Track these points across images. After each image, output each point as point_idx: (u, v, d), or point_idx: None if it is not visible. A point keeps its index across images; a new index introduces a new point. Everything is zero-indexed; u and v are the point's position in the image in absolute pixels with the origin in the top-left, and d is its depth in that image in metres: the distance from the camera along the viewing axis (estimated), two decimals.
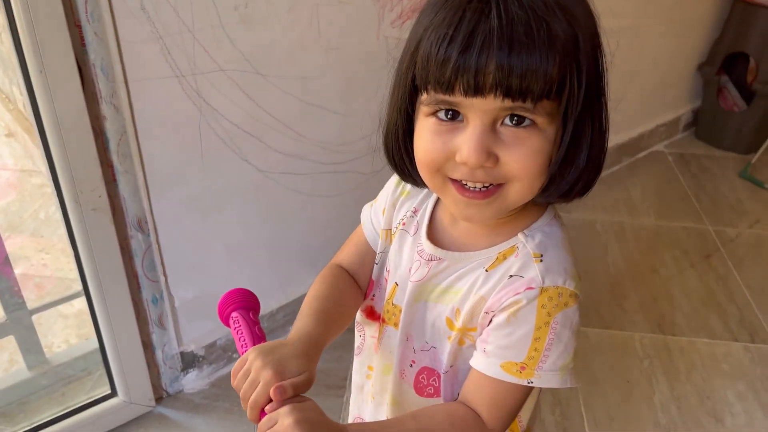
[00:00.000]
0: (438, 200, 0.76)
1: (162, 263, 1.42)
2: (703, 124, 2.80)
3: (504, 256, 0.68)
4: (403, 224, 0.77)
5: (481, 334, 0.69)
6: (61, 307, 1.82)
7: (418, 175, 0.68)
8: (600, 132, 0.63)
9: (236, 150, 1.41)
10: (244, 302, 0.73)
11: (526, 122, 0.59)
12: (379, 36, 1.53)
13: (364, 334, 0.86)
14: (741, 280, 2.03)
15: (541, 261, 0.66)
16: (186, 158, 1.35)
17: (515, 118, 0.59)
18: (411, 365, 0.77)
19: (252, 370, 0.64)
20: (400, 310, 0.76)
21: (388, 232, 0.80)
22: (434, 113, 0.62)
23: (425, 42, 0.59)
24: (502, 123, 0.60)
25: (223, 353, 1.64)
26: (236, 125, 1.39)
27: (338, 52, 1.47)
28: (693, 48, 2.65)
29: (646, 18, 2.28)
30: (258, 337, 0.70)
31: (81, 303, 1.76)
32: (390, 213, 0.80)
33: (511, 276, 0.67)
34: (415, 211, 0.77)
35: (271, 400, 0.62)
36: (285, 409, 0.60)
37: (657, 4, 2.31)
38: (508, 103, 0.57)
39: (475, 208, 0.64)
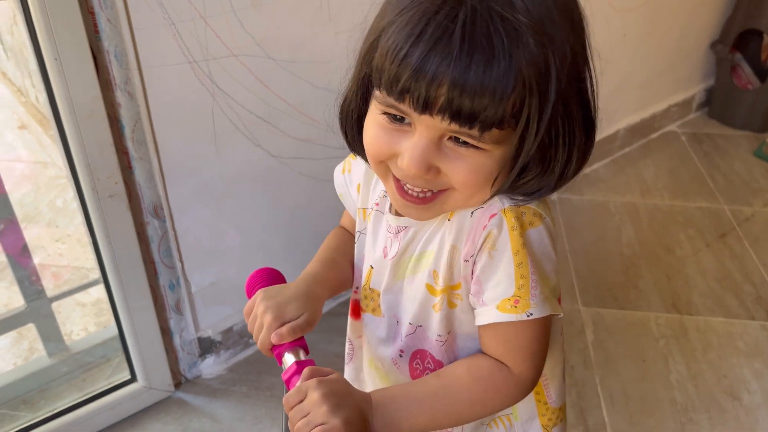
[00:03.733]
0: None
1: (178, 249, 1.43)
2: (717, 103, 2.77)
3: None
4: (377, 205, 0.76)
5: (469, 289, 0.68)
6: (78, 296, 1.84)
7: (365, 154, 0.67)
8: (579, 132, 0.60)
9: (249, 136, 1.42)
10: (272, 280, 0.74)
11: (469, 145, 0.58)
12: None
13: (353, 336, 0.86)
14: (757, 258, 2.02)
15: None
16: (200, 144, 1.35)
17: (460, 139, 0.58)
18: (401, 355, 0.77)
19: (258, 314, 0.70)
20: (378, 294, 0.76)
21: (364, 211, 0.79)
22: (384, 112, 0.61)
23: (384, 41, 0.57)
24: (448, 138, 0.59)
25: (239, 338, 1.65)
26: (249, 111, 1.39)
27: (348, 36, 1.47)
28: (705, 25, 2.62)
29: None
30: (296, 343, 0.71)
31: (98, 291, 1.79)
32: (365, 191, 0.78)
33: (472, 213, 0.65)
34: (385, 193, 0.75)
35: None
36: (312, 383, 0.61)
37: None
38: (454, 126, 0.56)
39: (414, 210, 0.65)
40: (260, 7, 1.30)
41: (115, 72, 1.17)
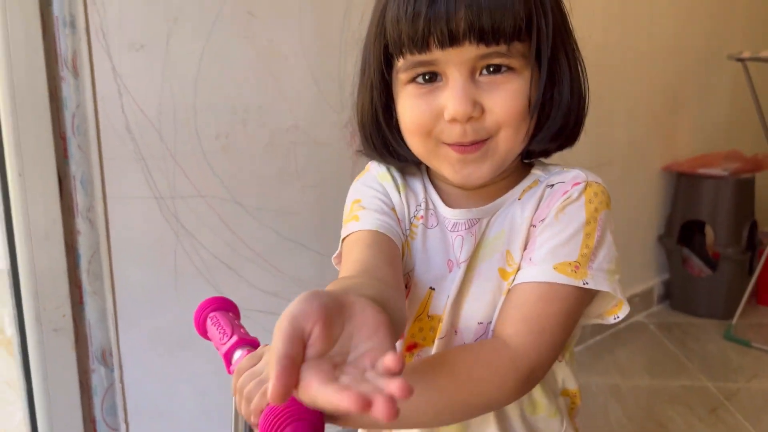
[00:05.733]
0: (432, 182, 0.72)
1: (124, 407, 1.27)
2: (677, 294, 2.83)
3: (530, 187, 0.68)
4: (422, 218, 0.70)
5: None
6: None
7: (404, 149, 0.67)
8: (576, 70, 0.65)
9: (212, 281, 1.37)
10: (223, 305, 0.66)
11: (503, 69, 0.60)
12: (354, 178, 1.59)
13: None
14: (754, 429, 1.89)
15: (573, 169, 0.67)
16: (159, 285, 1.29)
17: (491, 67, 0.60)
18: None
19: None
20: (440, 319, 0.67)
21: (404, 243, 0.70)
22: (412, 80, 0.62)
23: (392, 6, 0.60)
24: (480, 73, 0.61)
25: None
26: (213, 254, 1.36)
27: (314, 190, 1.52)
28: (649, 220, 2.80)
29: None
30: (245, 334, 0.62)
31: None
32: (401, 215, 0.71)
33: (551, 185, 0.66)
34: (423, 203, 0.71)
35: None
36: (268, 347, 0.54)
37: (608, 181, 2.48)
38: (482, 49, 0.58)
39: (472, 166, 0.63)
40: (230, 153, 1.36)
41: (79, 198, 1.17)
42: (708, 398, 2.09)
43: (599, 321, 0.68)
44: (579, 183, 0.64)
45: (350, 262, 0.63)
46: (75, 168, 1.15)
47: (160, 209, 1.27)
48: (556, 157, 0.71)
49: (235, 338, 0.60)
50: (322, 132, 1.48)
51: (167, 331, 1.32)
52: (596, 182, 0.65)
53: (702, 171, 2.66)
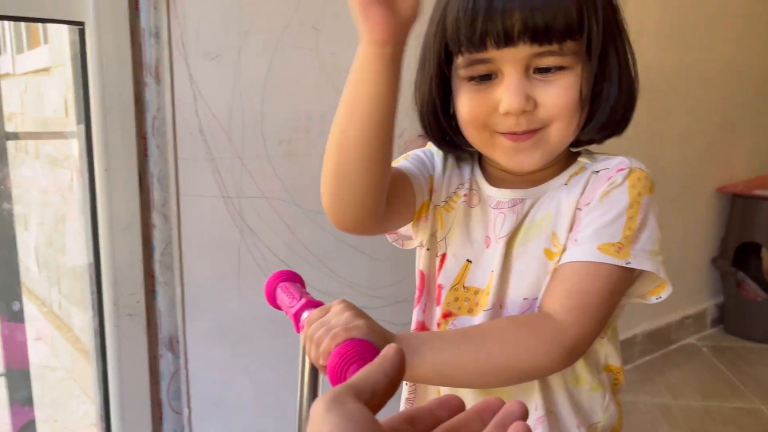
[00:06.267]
0: (481, 166, 0.77)
1: (188, 392, 1.35)
2: (731, 318, 2.78)
3: (576, 173, 0.72)
4: (465, 196, 0.76)
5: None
6: None
7: (459, 138, 0.72)
8: (626, 65, 0.69)
9: None
10: (291, 277, 0.73)
11: (553, 70, 0.65)
12: None
13: None
14: None
15: (618, 156, 0.71)
16: (223, 279, 1.38)
17: (543, 68, 0.65)
18: None
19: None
20: (476, 291, 0.73)
21: (438, 209, 0.77)
22: (471, 78, 0.68)
23: (452, 7, 0.65)
24: (534, 71, 0.65)
25: None
26: (273, 252, 1.44)
27: None
28: (702, 242, 2.76)
29: None
30: (311, 298, 0.69)
31: None
32: (440, 185, 0.77)
33: (597, 172, 0.70)
34: (467, 183, 0.76)
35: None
36: (335, 302, 0.61)
37: (659, 201, 2.47)
38: (536, 48, 0.63)
39: (524, 154, 0.68)
40: (292, 157, 1.44)
41: (156, 194, 1.26)
42: (762, 421, 2.05)
43: (641, 300, 0.71)
44: (623, 169, 0.68)
45: None
46: (153, 166, 1.25)
47: (226, 208, 1.36)
48: (604, 147, 0.75)
49: (303, 300, 0.67)
50: None
51: (229, 323, 1.40)
52: (640, 168, 0.69)
53: (758, 192, 2.62)
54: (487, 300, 0.71)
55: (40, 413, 2.02)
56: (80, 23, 1.16)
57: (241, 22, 1.32)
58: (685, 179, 2.56)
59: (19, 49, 2.52)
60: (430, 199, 0.77)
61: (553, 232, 0.70)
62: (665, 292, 0.69)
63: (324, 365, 0.55)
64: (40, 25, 2.05)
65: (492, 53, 0.64)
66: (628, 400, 2.17)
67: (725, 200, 2.76)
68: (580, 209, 0.69)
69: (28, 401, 1.41)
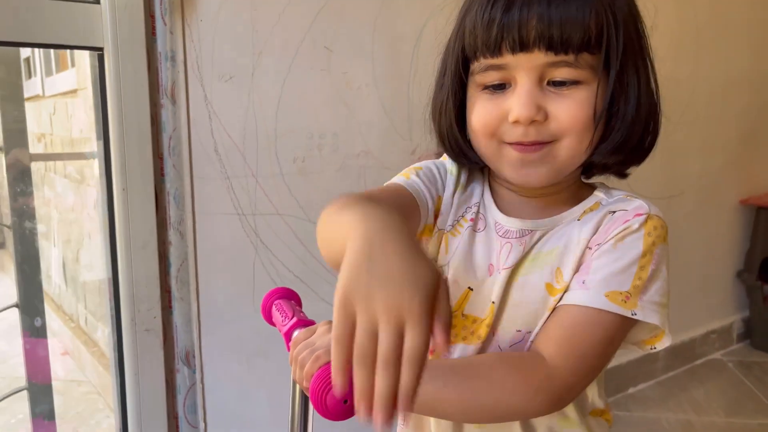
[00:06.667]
0: (491, 188, 0.75)
1: (203, 406, 1.38)
2: (758, 333, 2.72)
3: (591, 209, 0.69)
4: (472, 221, 0.73)
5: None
6: None
7: (470, 150, 0.70)
8: (648, 87, 0.66)
9: None
10: (286, 294, 0.75)
11: (568, 83, 0.63)
12: None
13: None
14: None
15: (636, 198, 0.68)
16: (239, 294, 1.40)
17: (557, 81, 0.63)
18: None
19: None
20: (473, 320, 0.71)
21: (443, 234, 0.73)
22: (485, 87, 0.66)
23: (470, 14, 0.65)
24: (548, 83, 0.63)
25: None
26: (288, 268, 1.47)
27: None
28: (727, 255, 2.72)
29: (676, 222, 2.40)
30: (303, 317, 0.70)
31: None
32: (447, 208, 0.73)
33: (613, 212, 0.67)
34: (475, 205, 0.74)
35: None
36: (322, 323, 0.62)
37: (680, 214, 2.44)
38: (551, 56, 0.61)
39: (531, 167, 0.65)
40: (306, 175, 1.47)
41: (172, 212, 1.30)
42: None
43: (635, 348, 0.70)
44: (641, 214, 0.66)
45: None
46: (169, 185, 1.29)
47: (241, 224, 1.39)
48: (624, 184, 0.72)
49: (294, 320, 0.68)
50: (390, 157, 1.57)
51: (245, 338, 1.42)
52: (657, 216, 0.66)
53: None
54: (486, 331, 0.69)
55: (63, 427, 2.07)
56: (99, 49, 1.20)
57: (254, 43, 1.36)
58: (707, 191, 2.53)
59: (48, 72, 2.61)
60: (435, 222, 0.74)
61: (558, 268, 0.68)
62: (661, 344, 0.68)
63: (308, 387, 0.56)
64: None
65: (507, 59, 0.63)
66: (651, 417, 2.14)
67: (749, 213, 2.71)
68: (590, 248, 0.66)
69: (50, 415, 1.45)
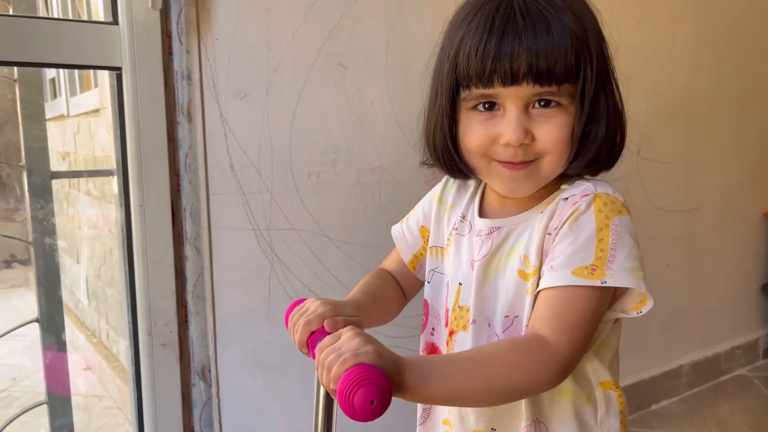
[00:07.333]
0: (483, 193, 0.85)
1: (220, 421, 1.39)
2: None
3: (551, 201, 0.77)
4: (456, 230, 0.86)
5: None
6: None
7: (465, 166, 0.79)
8: (615, 108, 0.75)
9: None
10: None
11: (552, 104, 0.72)
12: None
13: None
14: None
15: (587, 181, 0.75)
16: (254, 309, 1.41)
17: (543, 101, 0.72)
18: None
19: (310, 308, 0.72)
20: (468, 309, 0.80)
21: (438, 249, 0.87)
22: (474, 107, 0.75)
23: (464, 47, 0.73)
24: (533, 107, 0.73)
25: None
26: (303, 283, 1.48)
27: None
28: (751, 269, 2.67)
29: (697, 236, 2.37)
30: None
31: None
32: (437, 230, 0.89)
33: (565, 198, 0.74)
34: (463, 217, 0.85)
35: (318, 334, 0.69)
36: (346, 328, 0.64)
37: (702, 227, 2.41)
38: (537, 88, 0.70)
39: (518, 182, 0.75)
40: (320, 190, 1.48)
41: (188, 228, 1.32)
42: None
43: (624, 315, 0.76)
44: (587, 195, 0.73)
45: (388, 259, 0.99)
46: (186, 201, 1.31)
47: (257, 240, 1.41)
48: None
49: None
50: (404, 172, 1.58)
51: (260, 353, 1.43)
52: (605, 193, 0.73)
53: None
54: (469, 318, 0.79)
55: None
56: (118, 68, 1.23)
57: (269, 61, 1.38)
58: (729, 205, 2.50)
59: (73, 93, 2.67)
60: (426, 243, 0.91)
61: (524, 255, 0.76)
62: (646, 307, 0.73)
63: (335, 389, 0.58)
64: None
65: (498, 90, 0.71)
66: None
67: None
68: (549, 234, 0.74)
69: (71, 429, 1.47)
